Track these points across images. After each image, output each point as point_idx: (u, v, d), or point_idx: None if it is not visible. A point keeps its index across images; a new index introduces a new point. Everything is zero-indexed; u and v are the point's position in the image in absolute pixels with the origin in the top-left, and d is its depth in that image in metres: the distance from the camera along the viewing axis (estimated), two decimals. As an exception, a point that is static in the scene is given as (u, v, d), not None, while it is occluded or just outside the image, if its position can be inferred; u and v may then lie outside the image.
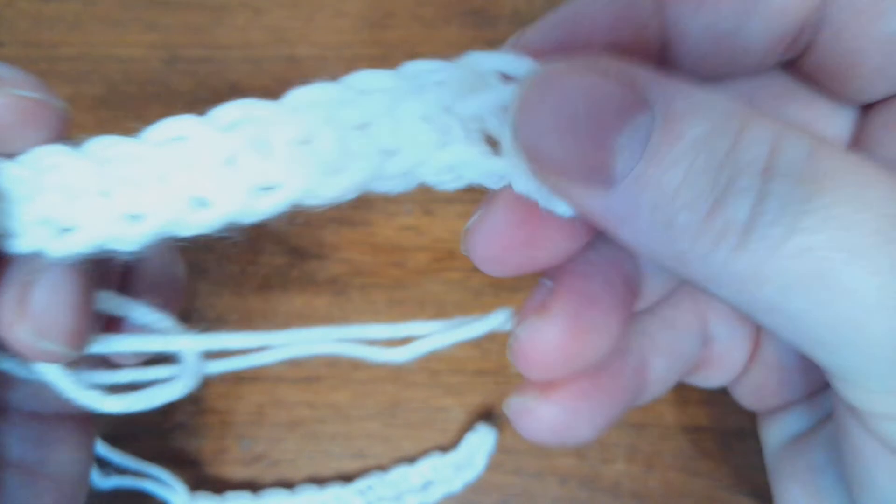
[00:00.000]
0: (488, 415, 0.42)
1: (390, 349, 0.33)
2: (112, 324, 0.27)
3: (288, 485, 0.41)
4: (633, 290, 0.25)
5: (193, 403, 0.42)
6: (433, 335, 0.31)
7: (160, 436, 0.41)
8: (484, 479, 0.40)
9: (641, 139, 0.18)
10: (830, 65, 0.22)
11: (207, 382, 0.41)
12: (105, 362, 0.28)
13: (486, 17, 0.47)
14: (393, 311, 0.43)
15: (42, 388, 0.26)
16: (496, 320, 0.28)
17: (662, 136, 0.18)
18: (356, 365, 0.41)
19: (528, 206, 0.21)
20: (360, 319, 0.43)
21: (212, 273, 0.43)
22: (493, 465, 0.40)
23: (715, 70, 0.22)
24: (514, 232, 0.22)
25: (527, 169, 0.20)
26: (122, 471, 0.40)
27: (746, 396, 0.32)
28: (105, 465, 0.40)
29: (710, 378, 0.31)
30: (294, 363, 0.42)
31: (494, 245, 0.22)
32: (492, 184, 0.21)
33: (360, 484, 0.40)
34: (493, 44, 0.46)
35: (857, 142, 0.24)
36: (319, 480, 0.41)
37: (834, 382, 0.20)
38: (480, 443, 0.40)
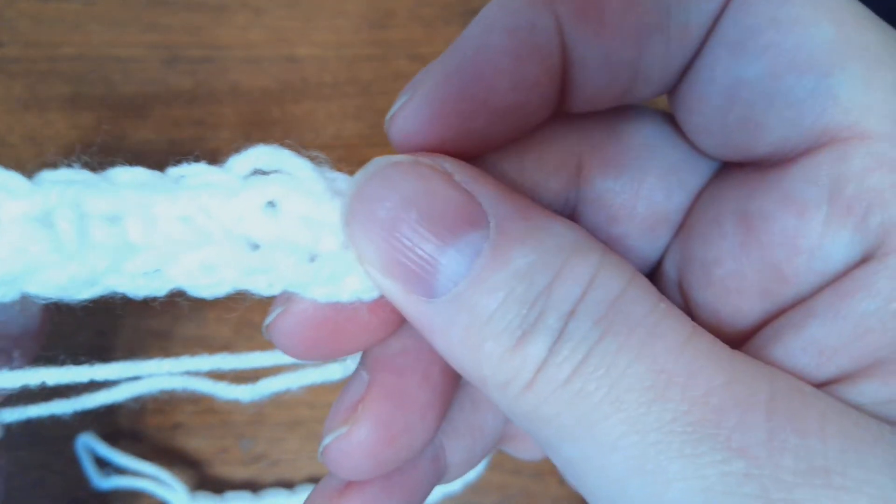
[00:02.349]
0: (488, 415, 0.42)
1: (237, 386, 0.34)
2: None
3: (288, 485, 0.41)
4: (454, 374, 0.23)
5: (193, 403, 0.42)
6: (286, 375, 0.31)
7: (160, 436, 0.41)
8: (484, 479, 0.40)
9: (469, 257, 0.17)
10: (683, 97, 0.21)
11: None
12: None
13: (486, 17, 0.47)
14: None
15: None
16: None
17: (489, 260, 0.17)
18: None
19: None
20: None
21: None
22: (493, 465, 0.40)
23: (611, 99, 0.21)
24: (317, 327, 0.20)
25: (293, 266, 0.19)
26: (122, 471, 0.40)
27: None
28: (105, 465, 0.40)
29: (523, 451, 0.29)
30: (294, 364, 0.42)
31: (298, 340, 0.21)
32: (259, 288, 0.20)
33: (360, 484, 0.40)
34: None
35: (686, 227, 0.23)
36: (319, 480, 0.41)
37: None
38: (480, 443, 0.40)
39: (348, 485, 0.23)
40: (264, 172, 0.20)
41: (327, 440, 0.21)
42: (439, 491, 0.40)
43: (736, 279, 0.20)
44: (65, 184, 0.19)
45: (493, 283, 0.17)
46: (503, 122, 0.20)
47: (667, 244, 0.23)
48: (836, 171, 0.18)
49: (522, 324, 0.17)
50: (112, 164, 0.20)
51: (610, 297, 0.17)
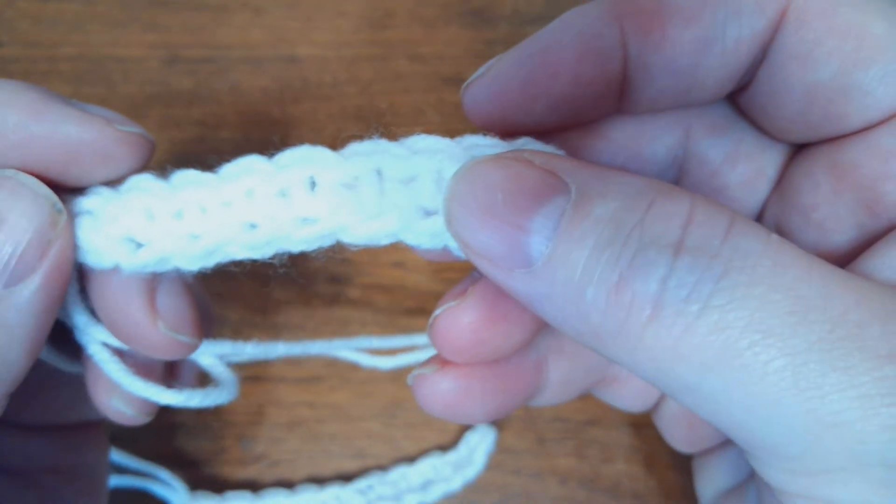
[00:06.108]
0: (488, 415, 0.42)
1: (379, 357, 0.39)
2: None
3: (288, 485, 0.41)
4: None
5: (193, 403, 0.42)
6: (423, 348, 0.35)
7: (160, 436, 0.41)
8: (484, 479, 0.40)
9: (555, 219, 0.18)
10: (763, 102, 0.23)
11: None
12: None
13: (486, 17, 0.47)
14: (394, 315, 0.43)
15: (68, 402, 0.30)
16: None
17: (573, 216, 0.18)
18: (356, 366, 0.41)
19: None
20: (360, 319, 0.43)
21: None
22: (493, 465, 0.41)
23: (671, 102, 0.23)
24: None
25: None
26: (122, 470, 0.40)
27: (669, 430, 0.31)
28: (105, 465, 0.40)
29: (622, 398, 0.31)
30: (294, 363, 0.42)
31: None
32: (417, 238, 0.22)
33: (360, 484, 0.40)
34: (492, 44, 0.47)
35: (782, 180, 0.25)
36: (319, 480, 0.41)
37: (750, 461, 0.20)
38: (480, 441, 0.40)
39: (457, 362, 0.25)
40: None
41: (437, 311, 0.23)
42: (439, 490, 0.40)
43: (832, 220, 0.23)
44: (371, 155, 0.22)
45: (580, 233, 0.18)
46: (562, 111, 0.22)
47: (765, 198, 0.26)
48: None
49: (619, 263, 0.17)
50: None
51: (718, 233, 0.18)
